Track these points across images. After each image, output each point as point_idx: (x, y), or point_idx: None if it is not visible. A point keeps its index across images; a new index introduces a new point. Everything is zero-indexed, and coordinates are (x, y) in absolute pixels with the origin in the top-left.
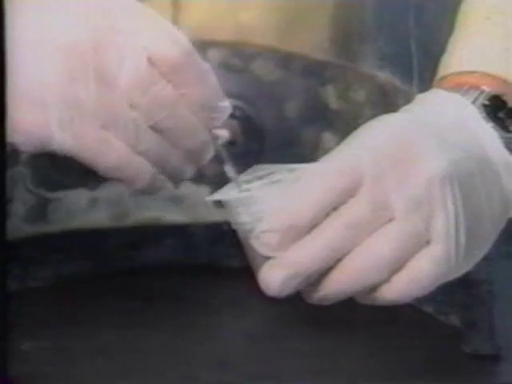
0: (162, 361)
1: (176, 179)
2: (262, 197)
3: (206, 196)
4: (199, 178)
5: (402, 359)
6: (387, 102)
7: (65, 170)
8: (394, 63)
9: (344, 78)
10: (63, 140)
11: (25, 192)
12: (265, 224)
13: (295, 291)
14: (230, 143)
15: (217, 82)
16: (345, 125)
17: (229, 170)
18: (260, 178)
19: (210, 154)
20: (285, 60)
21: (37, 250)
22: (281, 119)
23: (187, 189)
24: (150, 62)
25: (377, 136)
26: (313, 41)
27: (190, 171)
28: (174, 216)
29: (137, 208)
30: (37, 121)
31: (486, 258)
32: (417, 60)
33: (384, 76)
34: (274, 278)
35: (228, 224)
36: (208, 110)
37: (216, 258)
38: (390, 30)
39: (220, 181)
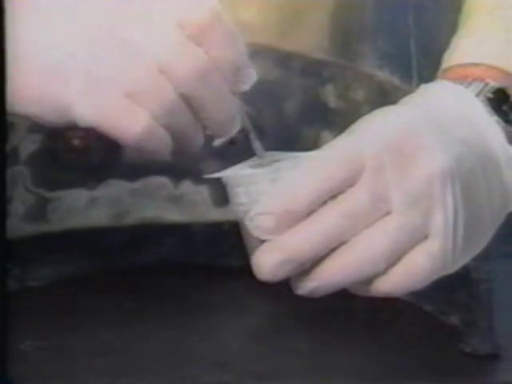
0: (161, 360)
1: (190, 152)
2: (261, 179)
3: (205, 195)
4: (198, 178)
5: (401, 358)
6: (386, 101)
7: (66, 168)
8: (393, 62)
9: (343, 78)
10: (85, 110)
11: (24, 191)
12: (261, 206)
13: (288, 277)
14: (230, 142)
15: (244, 45)
16: (344, 124)
17: (257, 146)
18: (264, 164)
19: (238, 125)
20: (284, 59)
21: (36, 249)
22: (280, 118)
23: (186, 188)
24: (180, 26)
25: (379, 128)
26: (312, 40)
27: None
28: (173, 215)
29: (136, 207)
30: (57, 90)
31: (485, 257)
32: (416, 59)
33: (383, 75)
34: (267, 262)
35: (227, 223)
36: (237, 73)
37: (215, 257)
38: (390, 29)
39: (220, 180)
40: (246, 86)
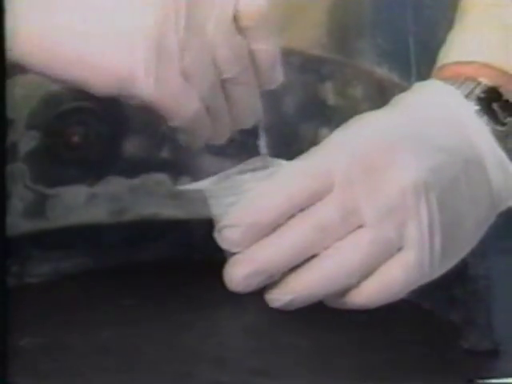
0: (160, 357)
1: (215, 141)
2: (236, 191)
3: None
4: (197, 174)
5: (400, 355)
6: (385, 98)
7: (65, 165)
8: (392, 59)
9: (342, 74)
10: (146, 84)
11: (23, 188)
12: (228, 219)
13: (260, 287)
14: (229, 139)
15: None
16: (342, 121)
17: (262, 145)
18: (253, 170)
19: (253, 122)
20: (282, 56)
21: (35, 246)
22: (278, 115)
23: (185, 185)
24: (235, 15)
25: (354, 139)
26: (311, 37)
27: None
28: (172, 212)
29: (135, 204)
30: (124, 62)
31: (484, 254)
32: (415, 56)
33: (382, 72)
34: (236, 274)
35: None
36: (273, 69)
37: (214, 253)
38: (389, 26)
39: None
40: (273, 86)
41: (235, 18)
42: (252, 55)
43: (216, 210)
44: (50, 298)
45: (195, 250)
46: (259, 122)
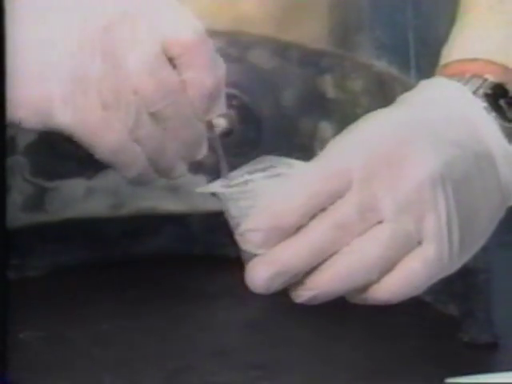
0: (159, 349)
1: (167, 175)
2: (251, 192)
3: (202, 185)
4: (196, 168)
5: (399, 348)
6: (384, 91)
7: (64, 158)
8: (391, 52)
9: (341, 68)
10: (64, 115)
11: (22, 181)
12: (249, 222)
13: (283, 288)
14: (227, 132)
15: (224, 75)
16: (342, 114)
17: (223, 166)
18: (261, 170)
19: (204, 150)
20: (282, 49)
21: (34, 239)
22: (278, 108)
23: (184, 178)
24: (163, 46)
25: (368, 136)
26: (310, 30)
27: (181, 168)
28: (170, 205)
29: (133, 197)
30: (40, 95)
31: (483, 248)
32: (414, 49)
33: (381, 65)
34: (259, 275)
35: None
36: (209, 100)
37: (213, 247)
38: (388, 19)
39: (217, 170)
40: (216, 114)
41: (164, 49)
42: (183, 85)
43: (235, 212)
44: (49, 290)
45: (194, 243)
46: (219, 152)
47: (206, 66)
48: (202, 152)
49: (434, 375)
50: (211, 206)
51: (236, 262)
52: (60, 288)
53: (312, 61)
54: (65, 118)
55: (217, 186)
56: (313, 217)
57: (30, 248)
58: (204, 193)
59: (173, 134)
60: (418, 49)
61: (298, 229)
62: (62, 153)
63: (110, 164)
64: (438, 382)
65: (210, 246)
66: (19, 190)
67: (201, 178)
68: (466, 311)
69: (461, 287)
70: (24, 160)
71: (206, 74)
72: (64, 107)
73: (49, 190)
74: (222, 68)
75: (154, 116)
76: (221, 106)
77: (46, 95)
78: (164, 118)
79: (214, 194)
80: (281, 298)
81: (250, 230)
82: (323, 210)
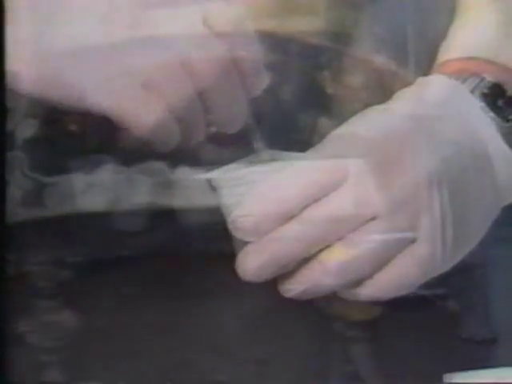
0: (156, 345)
1: (187, 144)
2: (247, 181)
3: (201, 181)
4: (195, 163)
5: (398, 344)
6: (383, 86)
7: (62, 153)
8: (389, 48)
9: (340, 63)
10: (99, 98)
11: (21, 176)
12: (241, 208)
13: (273, 277)
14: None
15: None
16: (341, 109)
17: (258, 145)
18: (263, 162)
19: (240, 125)
20: (281, 44)
21: (33, 234)
22: (277, 103)
23: (182, 174)
24: (207, 22)
25: (364, 133)
26: (309, 25)
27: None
28: (168, 201)
29: (132, 193)
30: (72, 76)
31: (481, 243)
32: (413, 45)
33: (380, 60)
34: (250, 264)
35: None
36: (253, 76)
37: (211, 242)
38: (387, 14)
39: (216, 166)
40: (258, 91)
41: (210, 28)
42: (234, 63)
43: (228, 199)
44: (47, 286)
45: (191, 239)
46: (253, 126)
47: (249, 44)
48: (240, 126)
49: (433, 371)
50: (210, 201)
51: (233, 257)
52: (59, 283)
53: (311, 56)
54: (99, 99)
55: (213, 174)
56: (306, 207)
57: (29, 243)
58: (202, 188)
59: (216, 110)
60: (416, 44)
61: (289, 219)
62: (61, 148)
63: (144, 141)
64: (437, 378)
65: (207, 242)
66: (18, 185)
67: (199, 174)
68: (465, 307)
69: (459, 283)
70: (23, 155)
71: (253, 53)
72: (98, 89)
73: (48, 185)
74: (259, 45)
75: (200, 92)
76: (264, 82)
77: (77, 77)
78: (212, 95)
79: (211, 187)
80: (279, 293)
81: (241, 215)
82: (316, 201)
